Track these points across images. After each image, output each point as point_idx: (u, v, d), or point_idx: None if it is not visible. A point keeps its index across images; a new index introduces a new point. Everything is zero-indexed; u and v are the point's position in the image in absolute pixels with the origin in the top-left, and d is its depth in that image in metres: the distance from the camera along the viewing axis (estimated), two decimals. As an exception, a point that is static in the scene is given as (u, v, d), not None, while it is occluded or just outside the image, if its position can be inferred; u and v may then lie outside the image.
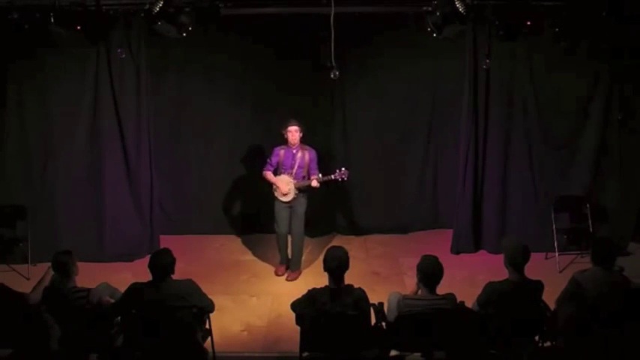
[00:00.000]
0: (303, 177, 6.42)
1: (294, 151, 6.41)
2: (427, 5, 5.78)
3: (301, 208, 6.48)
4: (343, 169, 6.36)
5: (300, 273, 6.67)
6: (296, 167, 6.40)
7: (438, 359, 4.44)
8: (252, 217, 7.82)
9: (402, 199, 7.87)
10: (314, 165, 6.45)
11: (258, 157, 7.36)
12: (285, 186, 6.37)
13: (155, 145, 7.05)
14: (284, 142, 6.46)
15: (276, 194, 6.44)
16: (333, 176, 6.34)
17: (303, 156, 6.41)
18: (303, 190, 6.44)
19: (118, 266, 6.71)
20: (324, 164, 6.80)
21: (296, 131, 6.34)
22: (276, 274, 6.70)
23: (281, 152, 6.44)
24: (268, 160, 6.50)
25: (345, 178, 6.37)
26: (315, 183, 6.31)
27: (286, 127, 6.35)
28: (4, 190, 6.82)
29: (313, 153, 6.48)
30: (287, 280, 6.61)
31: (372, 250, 7.43)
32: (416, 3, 5.93)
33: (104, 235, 6.94)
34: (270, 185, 6.49)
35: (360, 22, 6.59)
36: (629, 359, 4.30)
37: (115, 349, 4.51)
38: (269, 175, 6.47)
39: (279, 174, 6.45)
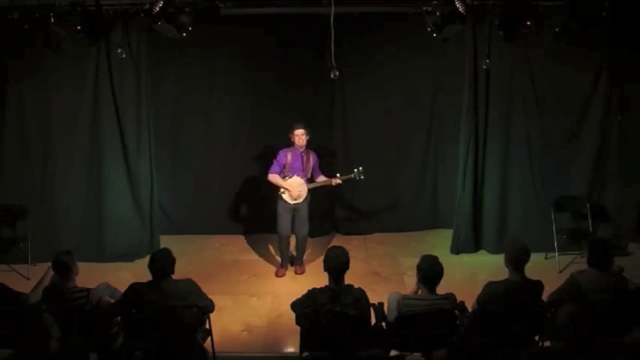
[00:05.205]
0: (308, 179, 6.48)
1: (302, 154, 6.43)
2: (427, 5, 5.77)
3: (306, 209, 6.52)
4: (361, 168, 6.54)
5: (304, 266, 6.78)
6: (305, 170, 6.44)
7: (437, 359, 4.44)
8: (252, 217, 7.82)
9: (402, 198, 7.88)
10: (317, 167, 6.57)
11: (258, 156, 7.38)
12: (297, 188, 6.38)
13: (155, 144, 7.05)
14: (287, 143, 6.46)
15: (284, 197, 6.41)
16: (352, 175, 6.54)
17: (309, 159, 6.46)
18: (312, 191, 6.50)
19: (118, 266, 6.71)
20: (324, 163, 6.85)
21: (303, 134, 6.35)
22: (277, 275, 6.68)
23: (288, 155, 6.41)
24: (275, 162, 6.43)
25: (363, 177, 6.58)
26: (337, 181, 6.48)
27: (293, 130, 6.36)
28: (4, 190, 6.81)
29: (316, 156, 6.57)
30: (296, 273, 6.69)
31: (372, 250, 7.43)
32: (416, 3, 5.93)
33: (104, 235, 6.94)
34: (276, 188, 6.45)
35: (360, 22, 6.60)
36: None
37: (115, 349, 4.51)
38: (277, 177, 6.40)
39: (288, 176, 6.41)
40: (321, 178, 6.56)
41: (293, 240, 6.74)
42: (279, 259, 6.84)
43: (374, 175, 7.66)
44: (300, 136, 6.34)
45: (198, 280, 4.66)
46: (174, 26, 5.75)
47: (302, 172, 6.42)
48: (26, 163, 6.86)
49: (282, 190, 6.40)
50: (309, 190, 6.47)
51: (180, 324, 4.37)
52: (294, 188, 6.37)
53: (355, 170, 6.55)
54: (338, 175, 6.52)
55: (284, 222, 6.48)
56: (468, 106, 6.86)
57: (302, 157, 6.42)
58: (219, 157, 7.73)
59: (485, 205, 7.12)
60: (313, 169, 6.53)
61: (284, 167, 6.42)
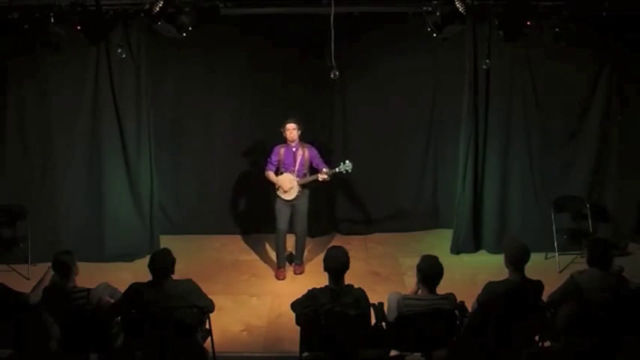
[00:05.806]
0: (305, 174, 6.47)
1: (294, 149, 6.45)
2: (427, 5, 5.78)
3: (304, 206, 6.52)
4: (347, 161, 6.43)
5: (304, 266, 6.75)
6: (297, 165, 6.43)
7: (438, 359, 4.44)
8: (252, 217, 7.82)
9: (402, 199, 7.88)
10: (318, 160, 6.52)
11: (258, 157, 7.36)
12: (287, 184, 6.40)
13: (155, 144, 7.05)
14: (284, 140, 6.49)
15: (278, 193, 6.47)
16: (337, 169, 6.44)
17: (303, 153, 6.46)
18: (307, 187, 6.48)
19: (118, 266, 6.71)
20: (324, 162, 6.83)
21: (294, 129, 6.38)
22: (278, 278, 6.62)
23: (281, 150, 6.47)
24: (269, 160, 6.52)
25: (350, 170, 6.46)
26: (323, 176, 6.37)
27: (284, 124, 6.40)
28: (4, 190, 6.81)
29: (314, 150, 6.54)
30: (295, 274, 6.67)
31: (372, 250, 7.43)
32: (416, 3, 5.93)
33: (104, 235, 6.94)
34: (272, 185, 6.50)
35: (360, 22, 6.60)
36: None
37: (115, 349, 4.51)
38: (271, 174, 6.49)
39: (281, 173, 6.47)
40: (323, 170, 6.50)
41: (292, 239, 6.73)
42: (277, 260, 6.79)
43: (374, 175, 7.69)
44: (291, 130, 6.37)
45: (198, 280, 4.66)
46: (174, 26, 5.76)
47: (293, 168, 6.43)
48: (26, 163, 6.86)
49: (277, 186, 6.46)
50: (302, 186, 6.45)
51: (180, 324, 4.37)
52: (284, 184, 6.41)
53: (341, 163, 6.44)
54: (324, 169, 6.46)
55: (282, 217, 6.50)
56: (468, 106, 6.86)
57: (293, 152, 6.44)
58: (219, 157, 7.73)
59: (485, 205, 7.12)
60: (313, 162, 6.51)
61: (278, 163, 6.48)
